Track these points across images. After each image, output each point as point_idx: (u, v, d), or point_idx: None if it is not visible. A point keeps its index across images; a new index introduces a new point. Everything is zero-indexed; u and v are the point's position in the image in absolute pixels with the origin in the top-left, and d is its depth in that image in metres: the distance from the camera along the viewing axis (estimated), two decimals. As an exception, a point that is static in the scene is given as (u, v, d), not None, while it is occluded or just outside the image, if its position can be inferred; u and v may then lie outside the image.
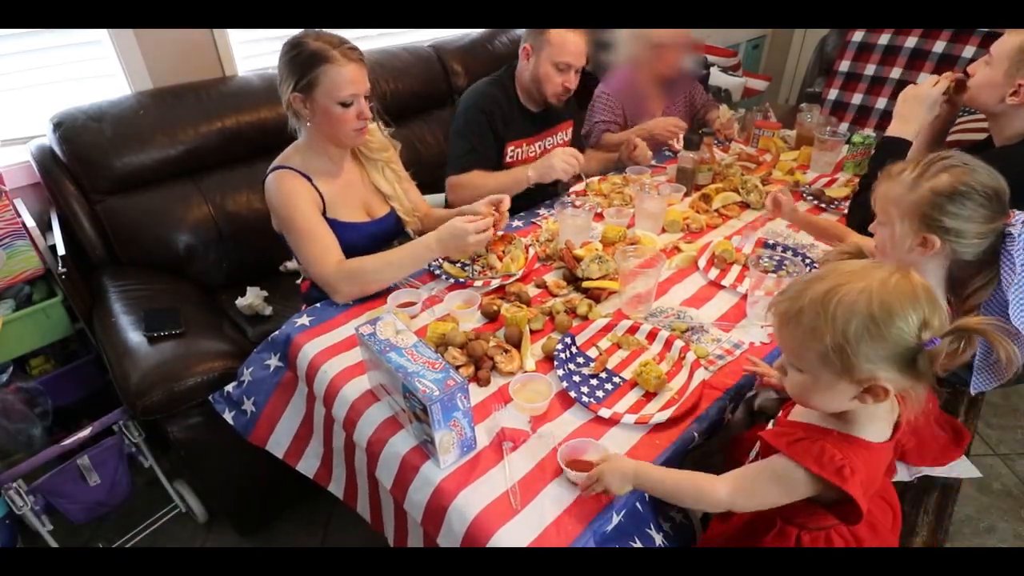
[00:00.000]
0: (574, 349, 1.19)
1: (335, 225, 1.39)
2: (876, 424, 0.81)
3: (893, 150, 1.38)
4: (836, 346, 0.72)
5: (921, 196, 0.97)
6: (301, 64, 1.27)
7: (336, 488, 1.24)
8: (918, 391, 0.76)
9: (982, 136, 1.50)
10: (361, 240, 1.39)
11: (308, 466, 1.27)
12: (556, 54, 1.66)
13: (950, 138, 1.75)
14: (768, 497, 0.84)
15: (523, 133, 1.83)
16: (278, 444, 1.29)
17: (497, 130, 1.77)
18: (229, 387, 1.33)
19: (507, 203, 1.40)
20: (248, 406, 1.30)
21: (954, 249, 0.98)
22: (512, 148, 1.83)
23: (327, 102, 1.29)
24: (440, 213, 1.62)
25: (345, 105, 1.29)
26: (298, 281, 1.66)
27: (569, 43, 1.65)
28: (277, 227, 1.41)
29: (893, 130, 1.41)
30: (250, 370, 1.30)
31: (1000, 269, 0.98)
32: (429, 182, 1.79)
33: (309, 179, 1.36)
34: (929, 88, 1.39)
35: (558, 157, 1.61)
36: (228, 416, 1.32)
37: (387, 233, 1.52)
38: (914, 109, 1.39)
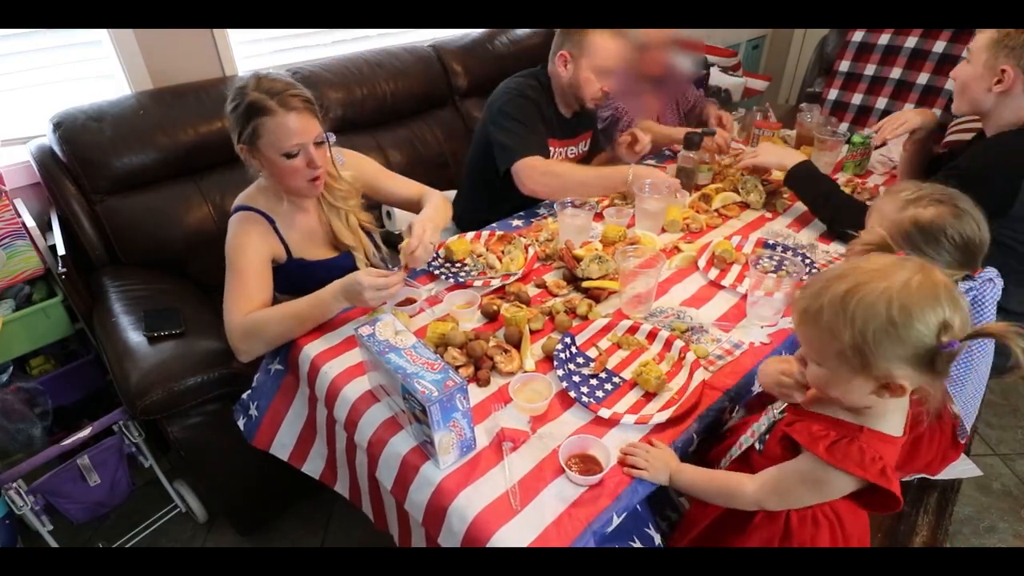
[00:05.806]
0: (574, 349, 1.19)
1: (303, 266, 1.36)
2: (895, 417, 0.82)
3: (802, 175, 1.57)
4: (854, 345, 0.73)
5: (903, 220, 1.02)
6: (240, 116, 1.21)
7: (342, 488, 1.24)
8: (935, 388, 0.77)
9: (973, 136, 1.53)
10: (330, 275, 1.26)
11: (314, 467, 1.27)
12: (599, 60, 1.62)
13: (949, 137, 1.75)
14: (803, 500, 0.87)
15: (556, 135, 1.77)
16: (282, 447, 1.28)
17: (543, 120, 1.69)
18: (245, 395, 1.33)
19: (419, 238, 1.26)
20: (252, 411, 1.30)
21: None
22: (550, 148, 1.74)
23: (271, 153, 1.22)
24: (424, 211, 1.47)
25: (290, 156, 1.22)
26: None
27: (612, 48, 1.61)
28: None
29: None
30: (257, 375, 1.31)
31: None
32: (429, 182, 1.78)
33: (273, 222, 1.31)
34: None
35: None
36: (240, 423, 1.32)
37: (356, 266, 1.44)
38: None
